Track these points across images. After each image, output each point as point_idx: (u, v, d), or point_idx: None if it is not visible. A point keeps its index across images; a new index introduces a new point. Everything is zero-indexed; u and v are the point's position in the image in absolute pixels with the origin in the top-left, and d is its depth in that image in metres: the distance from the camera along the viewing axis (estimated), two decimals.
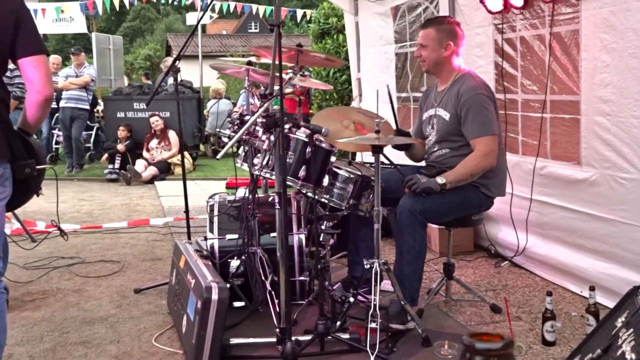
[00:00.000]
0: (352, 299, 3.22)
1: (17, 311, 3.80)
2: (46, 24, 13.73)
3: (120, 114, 10.70)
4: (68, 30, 15.54)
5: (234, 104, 13.21)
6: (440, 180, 3.31)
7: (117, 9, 13.91)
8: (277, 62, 2.81)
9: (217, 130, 3.70)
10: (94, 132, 11.67)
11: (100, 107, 12.36)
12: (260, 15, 15.97)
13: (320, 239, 3.35)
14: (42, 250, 5.14)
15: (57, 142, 11.37)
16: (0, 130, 2.38)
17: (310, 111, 9.93)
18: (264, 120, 2.99)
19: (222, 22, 44.97)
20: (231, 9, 15.84)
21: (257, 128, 3.25)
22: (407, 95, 6.18)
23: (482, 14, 4.68)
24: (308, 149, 3.26)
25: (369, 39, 6.92)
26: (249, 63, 3.77)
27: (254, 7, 15.62)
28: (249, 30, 45.42)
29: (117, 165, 9.84)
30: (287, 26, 41.01)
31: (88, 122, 10.98)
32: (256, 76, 3.96)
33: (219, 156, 2.92)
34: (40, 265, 4.82)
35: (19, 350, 3.23)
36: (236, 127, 3.51)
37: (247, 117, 3.39)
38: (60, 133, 10.74)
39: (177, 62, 4.13)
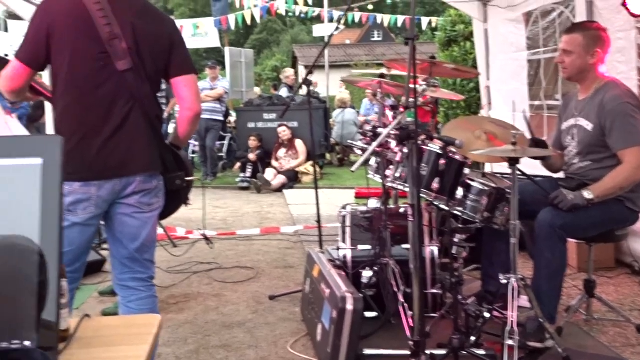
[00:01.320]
0: (487, 315, 3.16)
1: (163, 313, 4.05)
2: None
3: (251, 124, 11.13)
4: (202, 44, 16.38)
5: (358, 113, 13.36)
6: (587, 195, 3.18)
7: (249, 23, 14.51)
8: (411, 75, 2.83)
9: (349, 142, 3.77)
10: (226, 142, 12.20)
11: (232, 118, 12.92)
12: (385, 25, 16.02)
13: (454, 251, 3.32)
14: (182, 255, 5.44)
15: (193, 152, 12.00)
16: (155, 145, 2.57)
17: (438, 119, 9.83)
18: (397, 132, 3.01)
19: (345, 32, 45.43)
20: (356, 19, 16.03)
21: (390, 140, 3.27)
22: (540, 104, 5.97)
23: (623, 17, 4.44)
24: (441, 161, 3.24)
25: (499, 45, 6.76)
26: (382, 76, 3.82)
27: (379, 16, 15.73)
28: (372, 39, 45.59)
29: (248, 174, 10.23)
30: None
31: (221, 132, 11.51)
32: (388, 88, 4.00)
33: (353, 168, 2.96)
34: (181, 269, 5.12)
35: (167, 350, 3.45)
36: (369, 138, 3.56)
37: (379, 129, 3.43)
38: (196, 143, 11.31)
39: (310, 74, 4.25)
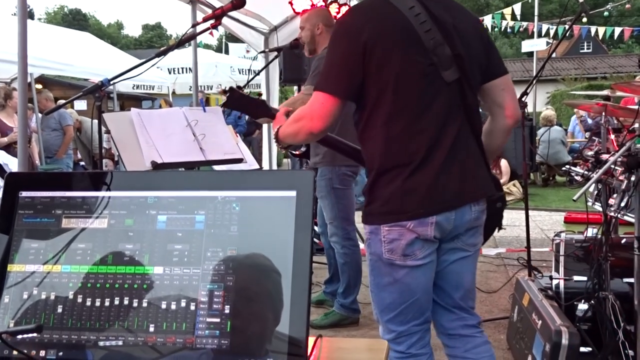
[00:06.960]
0: None
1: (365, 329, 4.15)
2: None
3: None
4: None
5: (566, 131, 12.65)
6: None
7: None
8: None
9: (568, 167, 3.59)
10: None
11: None
12: (599, 37, 15.04)
13: None
14: None
15: None
16: (484, 164, 2.20)
17: None
18: (624, 159, 2.82)
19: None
20: (567, 33, 15.24)
21: (615, 167, 3.08)
22: None
23: None
24: None
25: None
26: (606, 98, 3.59)
27: (593, 28, 14.80)
28: (581, 51, 42.85)
29: None
30: (626, 44, 37.95)
31: None
32: (614, 111, 3.75)
33: (575, 197, 2.83)
34: None
35: None
36: (589, 164, 3.37)
37: (603, 155, 3.24)
38: None
39: (525, 95, 4.12)
